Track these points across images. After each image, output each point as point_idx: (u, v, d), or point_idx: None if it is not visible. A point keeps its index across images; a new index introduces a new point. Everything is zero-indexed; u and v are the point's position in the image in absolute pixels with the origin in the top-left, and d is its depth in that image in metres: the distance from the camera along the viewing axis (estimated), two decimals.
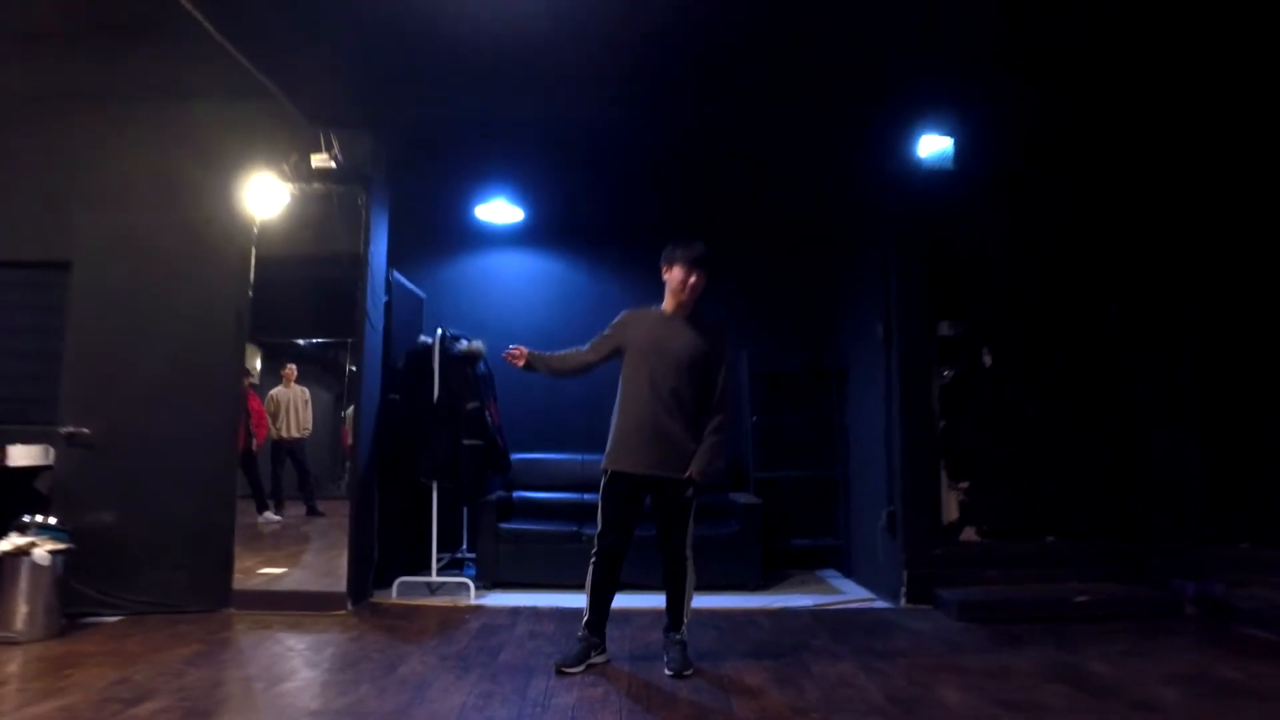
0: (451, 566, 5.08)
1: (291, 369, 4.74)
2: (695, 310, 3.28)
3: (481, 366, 4.79)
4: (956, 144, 4.49)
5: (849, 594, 4.69)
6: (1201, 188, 4.43)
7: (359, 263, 4.33)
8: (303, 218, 4.38)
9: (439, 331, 4.67)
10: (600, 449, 3.24)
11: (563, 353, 3.34)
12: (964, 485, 4.47)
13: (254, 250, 4.31)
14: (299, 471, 4.83)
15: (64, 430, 4.09)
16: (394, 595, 4.43)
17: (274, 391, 4.66)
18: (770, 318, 5.79)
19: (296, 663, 3.20)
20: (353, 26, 3.78)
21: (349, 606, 4.10)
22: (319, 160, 4.24)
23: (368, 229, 4.36)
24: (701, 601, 3.98)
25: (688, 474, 3.11)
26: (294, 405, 4.78)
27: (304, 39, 3.79)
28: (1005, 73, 4.27)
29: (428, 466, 4.49)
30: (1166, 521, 4.38)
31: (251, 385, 4.46)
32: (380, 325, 4.53)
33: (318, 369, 4.84)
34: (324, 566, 4.34)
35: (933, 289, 4.54)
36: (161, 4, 3.15)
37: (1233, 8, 3.62)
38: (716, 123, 4.87)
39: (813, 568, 5.43)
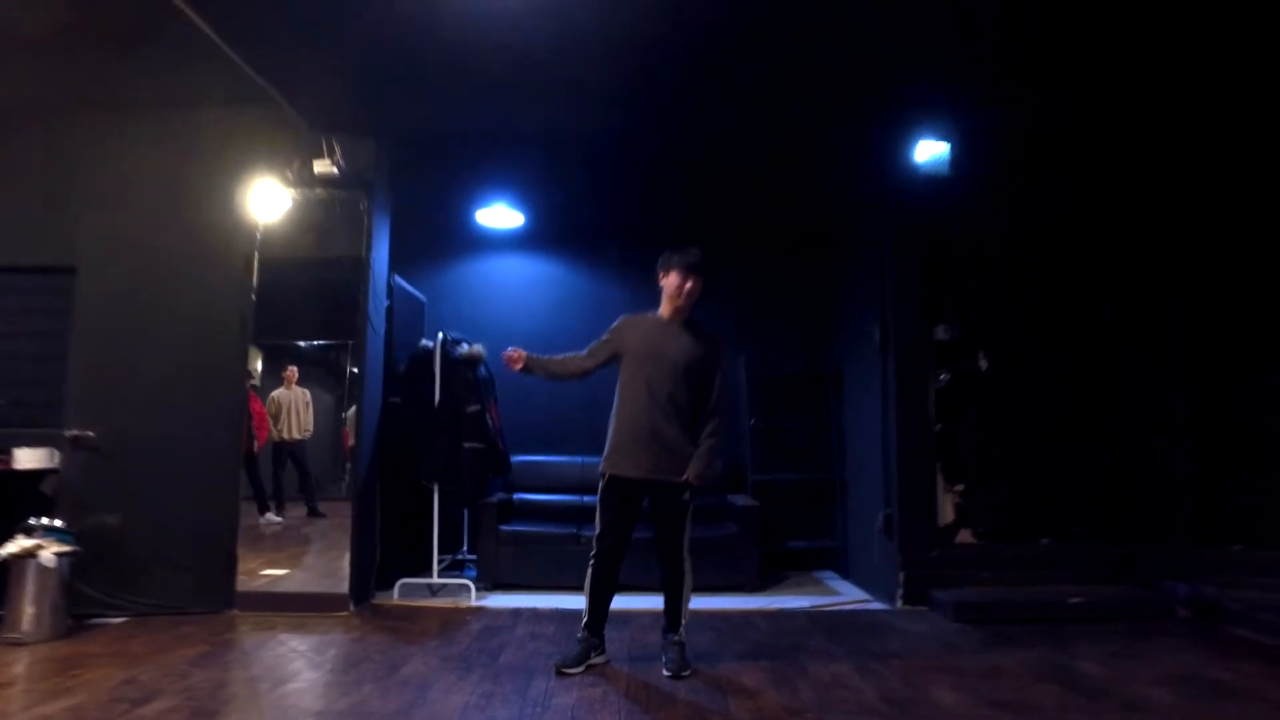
0: (452, 568, 5.13)
1: (293, 371, 4.79)
2: (691, 316, 3.33)
3: (482, 370, 4.83)
4: (952, 149, 4.54)
5: (846, 595, 4.74)
6: (1194, 192, 4.47)
7: (361, 267, 4.38)
8: (305, 223, 4.43)
9: (440, 335, 4.72)
10: (599, 452, 3.28)
11: (560, 357, 3.39)
12: (959, 488, 4.51)
13: (257, 255, 4.36)
14: (300, 473, 4.88)
15: (69, 433, 4.13)
16: (395, 596, 4.47)
17: (275, 393, 4.70)
18: (768, 321, 5.83)
19: (300, 664, 3.25)
20: (355, 33, 3.82)
21: (351, 608, 4.14)
22: (321, 166, 4.29)
23: (370, 234, 4.41)
24: (699, 603, 4.03)
25: (684, 478, 3.15)
26: (295, 407, 4.83)
27: (306, 46, 3.84)
28: (1001, 79, 4.31)
29: (429, 469, 4.54)
30: (1159, 524, 4.43)
31: (253, 387, 4.50)
32: (382, 329, 4.57)
33: (318, 371, 4.89)
34: (326, 568, 4.38)
35: (929, 293, 4.58)
36: (166, 11, 3.19)
37: (1227, 11, 3.66)
38: (715, 128, 4.92)
39: (810, 569, 5.47)
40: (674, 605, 3.25)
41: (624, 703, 2.82)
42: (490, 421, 4.79)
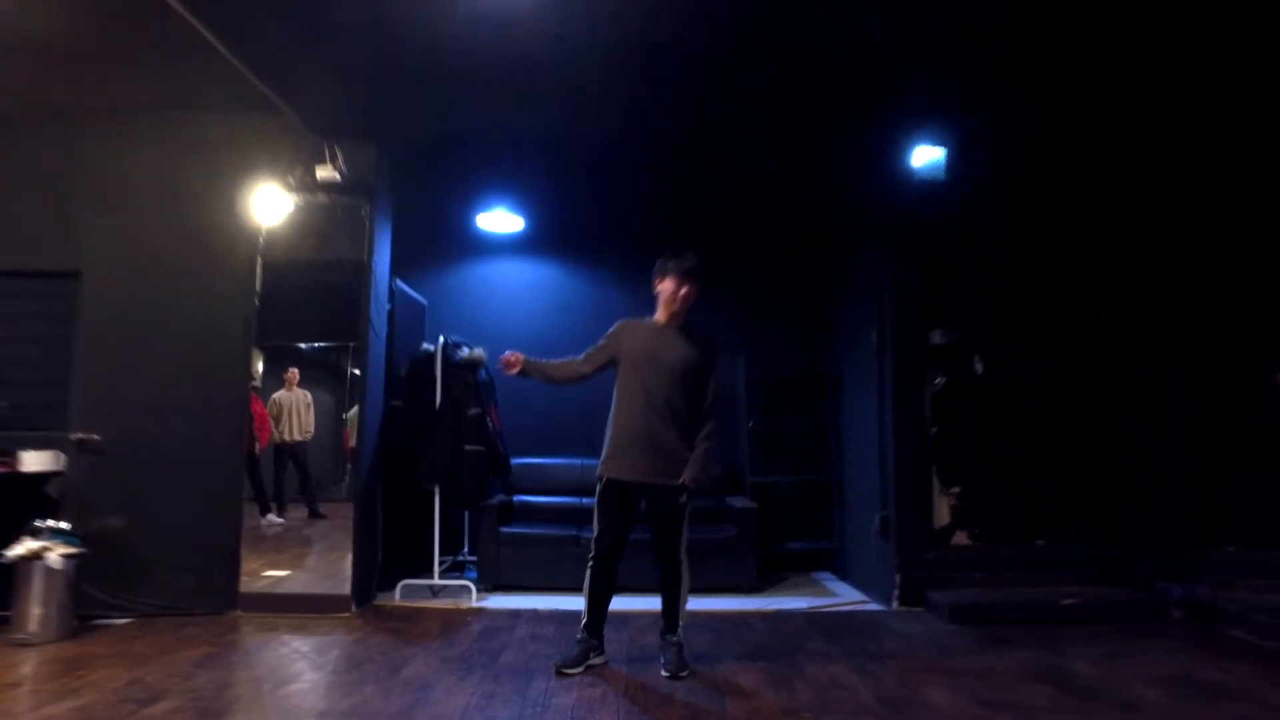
0: (453, 569, 5.17)
1: (294, 373, 4.84)
2: (687, 321, 3.37)
3: (483, 373, 4.87)
4: (949, 153, 4.58)
5: (843, 596, 4.78)
6: (1189, 194, 4.52)
7: (363, 271, 4.42)
8: (307, 227, 4.48)
9: (441, 339, 4.76)
10: (598, 455, 3.32)
11: (557, 361, 3.42)
12: (955, 490, 4.55)
13: (260, 259, 4.40)
14: (301, 474, 4.93)
15: (75, 436, 4.17)
16: (397, 598, 4.51)
17: (276, 395, 4.75)
18: (767, 324, 5.87)
19: (303, 664, 3.29)
20: (356, 39, 3.87)
21: (353, 609, 4.18)
22: (324, 172, 4.33)
23: (371, 238, 4.46)
24: (698, 604, 4.10)
25: (681, 481, 3.19)
26: (296, 409, 4.88)
27: (309, 52, 3.89)
28: (997, 84, 4.36)
29: (430, 471, 4.58)
30: (1154, 525, 4.46)
31: (254, 388, 4.54)
32: (383, 333, 4.62)
33: (319, 372, 4.94)
34: (327, 569, 4.43)
35: (926, 297, 4.62)
36: (169, 19, 3.23)
37: (1222, 19, 3.70)
38: (714, 132, 4.97)
39: (808, 570, 5.51)
40: (672, 607, 3.29)
41: (623, 703, 2.86)
42: (491, 424, 4.84)
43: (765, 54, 4.05)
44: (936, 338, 4.62)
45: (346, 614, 4.13)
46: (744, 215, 5.89)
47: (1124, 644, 3.65)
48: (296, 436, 4.91)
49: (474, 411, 4.66)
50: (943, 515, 4.55)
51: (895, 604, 4.38)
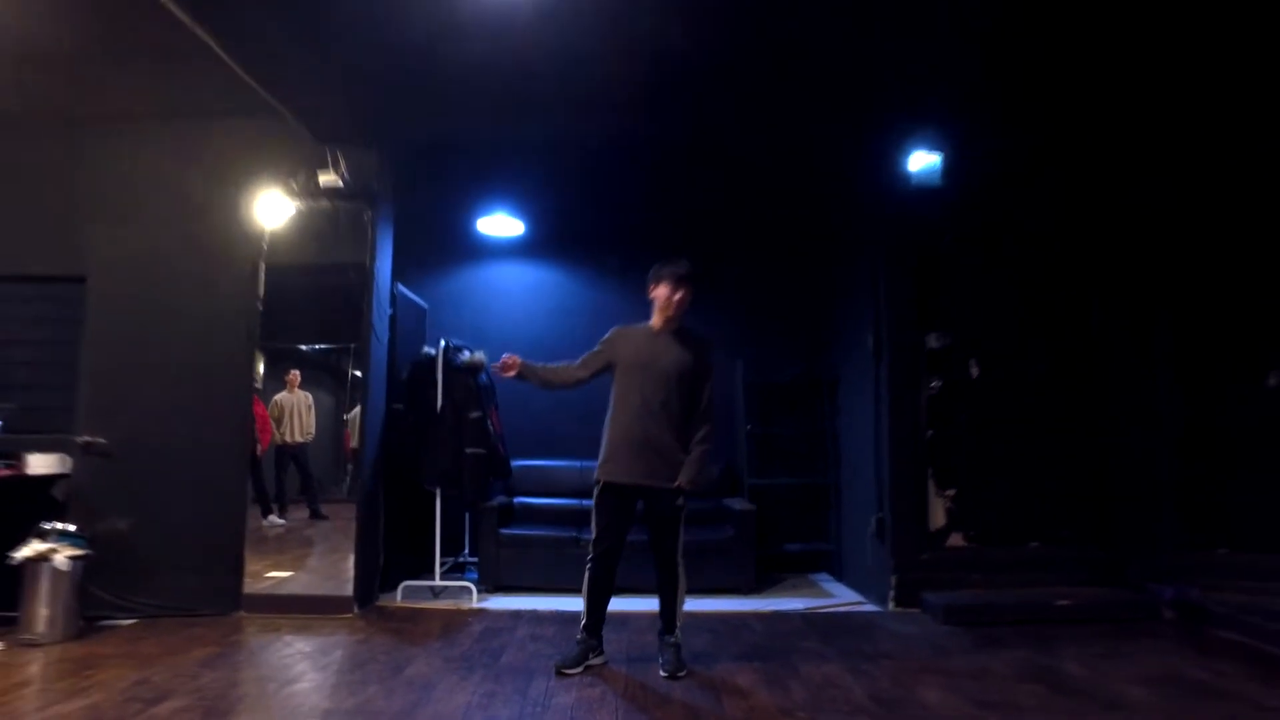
0: (454, 571, 5.22)
1: (295, 375, 4.88)
2: (681, 325, 3.42)
3: (483, 377, 4.92)
4: (945, 159, 4.64)
5: (840, 597, 4.83)
6: (1180, 200, 4.55)
7: (364, 276, 4.48)
8: (310, 232, 4.53)
9: (442, 343, 4.81)
10: (598, 457, 3.37)
11: (554, 365, 3.47)
12: (951, 493, 4.61)
13: (263, 264, 4.45)
14: (302, 475, 4.96)
15: (80, 439, 4.22)
16: (399, 599, 4.56)
17: (278, 397, 4.79)
18: (765, 329, 5.93)
19: (307, 664, 3.34)
20: (358, 47, 3.92)
21: (355, 610, 4.23)
22: (326, 178, 4.39)
23: (373, 244, 4.51)
24: (696, 605, 4.15)
25: (677, 484, 3.25)
26: (297, 410, 4.92)
27: (311, 60, 3.93)
28: (992, 91, 4.42)
29: (432, 474, 4.63)
30: (1145, 528, 4.52)
31: (255, 390, 4.59)
32: (385, 336, 4.67)
33: (320, 374, 4.99)
34: (329, 570, 4.47)
35: (921, 302, 4.67)
36: (174, 26, 3.28)
37: (1212, 21, 3.75)
38: (712, 139, 5.02)
39: (806, 572, 5.57)
40: (669, 608, 3.34)
41: (621, 702, 2.91)
42: (491, 427, 4.89)
43: (763, 60, 4.09)
44: (932, 342, 4.67)
45: (349, 615, 4.18)
46: (742, 220, 5.94)
47: (1116, 644, 3.70)
48: (298, 438, 4.95)
49: (475, 414, 4.71)
50: (938, 517, 4.60)
51: (891, 605, 4.43)
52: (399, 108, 4.47)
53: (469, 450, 4.66)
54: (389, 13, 3.59)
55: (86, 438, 4.23)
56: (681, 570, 3.34)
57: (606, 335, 3.46)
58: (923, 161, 4.64)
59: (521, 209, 5.70)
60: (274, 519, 4.80)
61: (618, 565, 3.35)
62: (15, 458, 4.05)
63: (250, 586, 4.26)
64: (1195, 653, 3.59)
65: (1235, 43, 3.91)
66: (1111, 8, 3.60)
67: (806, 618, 4.34)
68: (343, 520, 4.49)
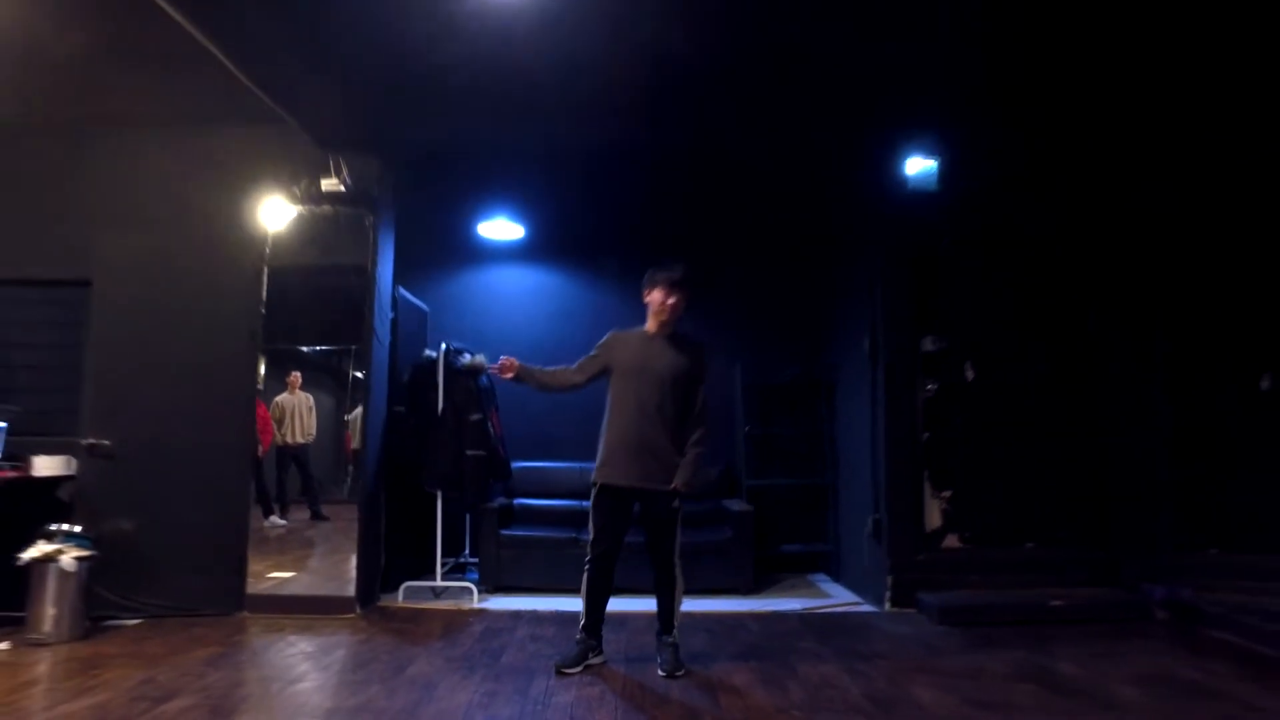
0: (455, 571, 5.26)
1: (296, 376, 4.91)
2: (676, 330, 3.46)
3: (484, 379, 4.97)
4: (941, 164, 4.68)
5: (836, 598, 4.87)
6: (1174, 204, 4.60)
7: (366, 280, 4.52)
8: (312, 237, 4.58)
9: (443, 346, 4.85)
10: (595, 459, 3.42)
11: (551, 369, 3.52)
12: (947, 494, 4.65)
13: (266, 269, 4.50)
14: (303, 476, 4.99)
15: (85, 441, 4.27)
16: (400, 599, 4.60)
17: (279, 398, 4.82)
18: (763, 331, 5.98)
19: (310, 664, 3.39)
20: (361, 55, 3.96)
21: (357, 610, 4.28)
22: (328, 184, 4.43)
23: (374, 248, 4.55)
24: (694, 605, 4.19)
25: (673, 486, 3.29)
26: (299, 411, 4.95)
27: (315, 68, 3.97)
28: (988, 97, 4.47)
29: (433, 476, 4.67)
30: (1139, 529, 4.56)
31: (256, 392, 4.63)
32: (387, 340, 4.71)
33: (321, 375, 5.02)
34: (331, 571, 4.50)
35: (918, 305, 4.72)
36: (178, 34, 3.32)
37: (1208, 29, 3.80)
38: (711, 144, 5.06)
39: (803, 572, 5.61)
40: (667, 608, 3.38)
41: (620, 701, 2.96)
42: (492, 429, 4.93)
43: (763, 65, 4.13)
44: (928, 345, 4.72)
45: (351, 615, 4.23)
46: (741, 224, 5.99)
47: (1109, 644, 3.75)
48: (299, 439, 4.97)
49: (475, 417, 4.76)
50: (934, 519, 4.64)
51: (887, 605, 4.47)
52: (400, 113, 4.52)
53: (469, 452, 4.70)
54: (390, 19, 3.63)
55: (91, 440, 4.28)
56: (679, 571, 3.38)
57: (602, 340, 3.50)
58: (920, 166, 4.68)
59: (522, 213, 5.75)
60: (275, 520, 4.83)
61: (615, 566, 3.40)
62: (21, 460, 4.09)
63: (253, 587, 4.30)
64: (1188, 653, 3.63)
65: (1227, 51, 3.95)
66: (1109, 14, 3.64)
67: (803, 618, 4.38)
68: (343, 521, 4.52)
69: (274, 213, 4.51)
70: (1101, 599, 4.37)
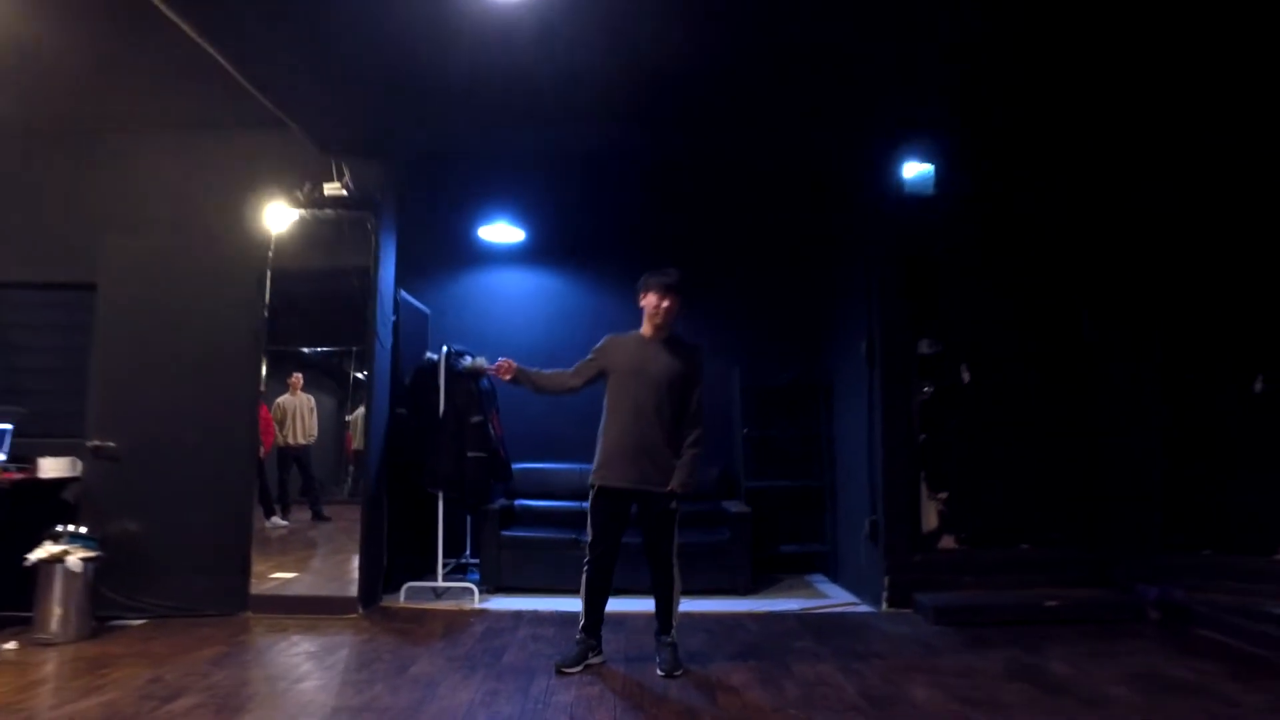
0: (456, 572, 5.31)
1: (298, 378, 4.94)
2: (671, 334, 3.51)
3: (484, 382, 5.02)
4: (937, 169, 4.74)
5: (834, 598, 4.92)
6: (1167, 207, 4.65)
7: (368, 283, 4.57)
8: (315, 241, 4.62)
9: (444, 349, 4.90)
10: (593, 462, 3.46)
11: (548, 372, 3.57)
12: (943, 496, 4.70)
13: (269, 272, 4.54)
14: (304, 477, 5.02)
15: (91, 443, 4.32)
16: (402, 599, 4.65)
17: (280, 399, 4.86)
18: (762, 334, 6.03)
19: (314, 664, 3.44)
20: (363, 62, 4.01)
21: (360, 610, 4.32)
22: (331, 188, 4.49)
23: (377, 252, 4.60)
24: (692, 605, 4.24)
25: (670, 487, 3.34)
26: (300, 413, 4.99)
27: (317, 75, 4.01)
28: (983, 102, 4.51)
29: (434, 477, 4.72)
30: (1134, 530, 4.61)
31: (259, 393, 4.67)
32: (389, 343, 4.76)
33: (322, 376, 5.06)
34: (333, 571, 4.54)
35: (914, 309, 4.77)
36: (184, 42, 3.38)
37: (1200, 35, 3.85)
38: (710, 150, 5.12)
39: (801, 573, 5.66)
40: (665, 608, 3.43)
41: (619, 700, 3.01)
42: (492, 431, 4.98)
43: (761, 73, 4.18)
44: (924, 348, 4.77)
45: (354, 615, 4.28)
46: (740, 228, 6.04)
47: (1101, 644, 3.80)
48: (300, 440, 5.00)
49: (476, 419, 4.80)
50: (930, 520, 4.69)
51: (884, 606, 4.52)
52: (402, 119, 4.57)
53: (471, 454, 4.75)
54: (392, 26, 3.68)
55: (96, 442, 4.32)
56: (676, 571, 3.43)
57: (599, 344, 3.55)
58: (917, 170, 4.74)
59: (522, 217, 5.80)
60: (277, 520, 4.86)
61: (614, 567, 3.45)
62: (28, 461, 4.15)
63: (256, 587, 4.34)
64: (1178, 652, 3.68)
65: (1221, 54, 4.01)
66: (1105, 21, 3.68)
67: (801, 618, 4.43)
68: (345, 522, 4.57)
69: (277, 216, 4.56)
70: (1095, 599, 4.42)
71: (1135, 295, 4.74)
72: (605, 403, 3.47)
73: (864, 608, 4.66)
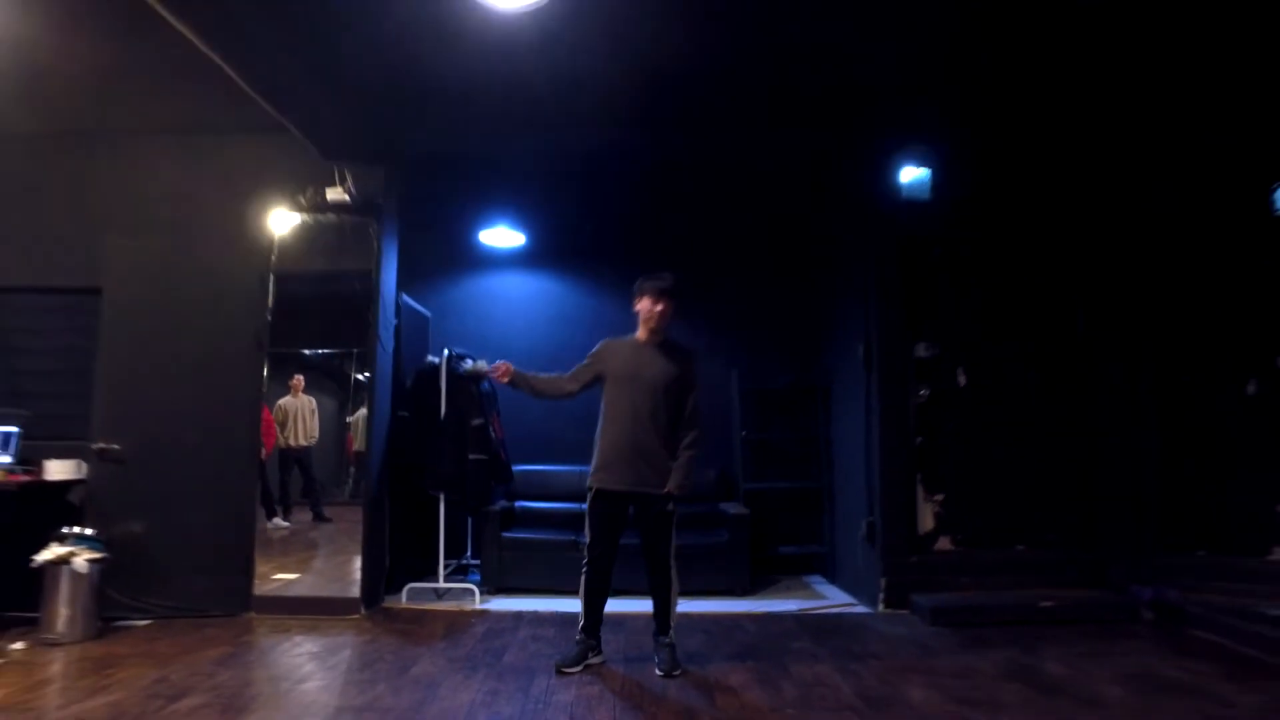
0: (457, 573, 5.34)
1: (299, 379, 4.99)
2: (666, 337, 3.55)
3: (485, 384, 5.05)
4: (933, 173, 4.77)
5: (832, 599, 4.96)
6: (1162, 210, 4.69)
7: (370, 287, 4.61)
8: (317, 245, 4.66)
9: (445, 352, 4.93)
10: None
11: (545, 376, 3.62)
12: (939, 497, 4.74)
13: (272, 276, 4.59)
14: (305, 478, 5.07)
15: (96, 446, 4.36)
16: (403, 600, 4.69)
17: (282, 401, 4.90)
18: (760, 338, 6.06)
19: (317, 664, 3.47)
20: (365, 68, 4.06)
21: (362, 611, 4.36)
22: (334, 193, 4.53)
23: (379, 256, 4.64)
24: (691, 606, 4.28)
25: (666, 489, 3.38)
26: (301, 414, 5.04)
27: (319, 80, 4.06)
28: (981, 106, 4.57)
29: (436, 479, 4.76)
30: (1129, 531, 4.65)
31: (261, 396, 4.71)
32: (390, 346, 4.80)
33: (323, 378, 5.10)
34: (335, 572, 4.58)
35: (911, 312, 4.81)
36: (188, 49, 3.41)
37: (1194, 40, 3.89)
38: (709, 154, 5.16)
39: (799, 574, 5.69)
40: (663, 609, 3.47)
41: (618, 700, 3.05)
42: (493, 434, 5.02)
43: (760, 79, 4.23)
44: (921, 351, 4.81)
45: (356, 616, 4.31)
46: (739, 232, 6.08)
47: (1095, 644, 3.83)
48: (302, 442, 5.06)
49: (477, 421, 4.84)
50: (927, 521, 4.73)
51: (881, 607, 4.56)
52: (404, 125, 4.62)
53: (472, 456, 4.79)
54: (394, 34, 3.73)
55: (101, 444, 4.36)
56: (674, 573, 3.47)
57: (594, 349, 3.59)
58: (913, 175, 4.77)
59: (522, 221, 5.84)
60: (278, 521, 4.91)
61: (613, 568, 3.49)
62: (34, 464, 4.19)
63: (259, 588, 4.38)
64: (1171, 652, 3.72)
65: (1214, 59, 4.05)
66: (1102, 23, 3.72)
67: (799, 619, 4.47)
68: (346, 523, 4.61)
69: (280, 221, 4.61)
70: (1090, 600, 4.46)
71: (1131, 298, 4.78)
72: (602, 407, 3.51)
73: (861, 609, 4.70)
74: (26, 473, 4.12)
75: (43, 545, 3.82)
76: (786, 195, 5.57)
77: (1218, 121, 4.43)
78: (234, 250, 4.60)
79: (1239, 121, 4.37)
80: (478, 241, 6.00)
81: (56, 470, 4.21)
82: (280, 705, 2.95)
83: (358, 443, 4.76)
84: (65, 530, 3.89)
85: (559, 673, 3.34)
